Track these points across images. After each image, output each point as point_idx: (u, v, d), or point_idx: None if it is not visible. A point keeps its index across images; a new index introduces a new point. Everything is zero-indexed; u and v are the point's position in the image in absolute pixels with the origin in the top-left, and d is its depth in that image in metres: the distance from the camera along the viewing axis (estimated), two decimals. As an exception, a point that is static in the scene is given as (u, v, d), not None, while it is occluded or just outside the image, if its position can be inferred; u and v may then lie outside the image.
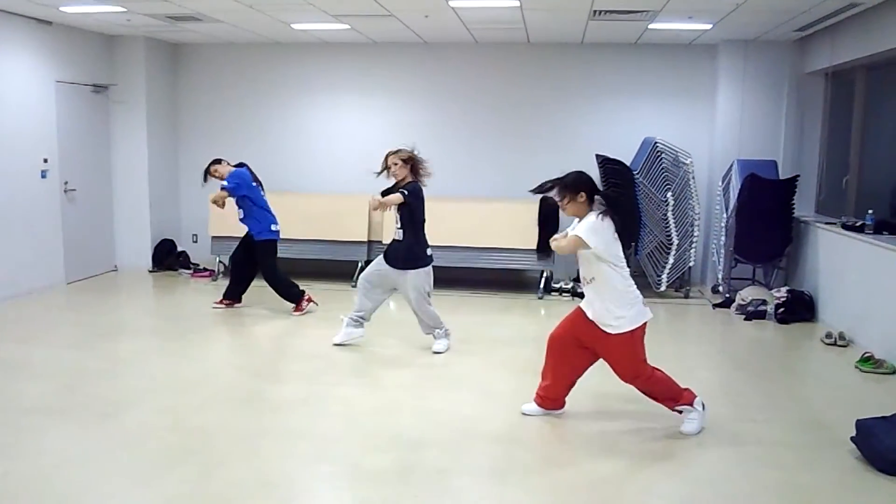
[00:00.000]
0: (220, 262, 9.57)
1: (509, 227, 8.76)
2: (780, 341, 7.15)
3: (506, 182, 9.73)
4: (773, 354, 6.85)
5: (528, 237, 8.63)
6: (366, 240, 9.07)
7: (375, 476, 4.04)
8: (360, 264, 9.18)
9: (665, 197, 8.31)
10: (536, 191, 4.71)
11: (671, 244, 8.42)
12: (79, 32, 9.01)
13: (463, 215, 8.94)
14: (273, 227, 7.59)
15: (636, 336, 4.58)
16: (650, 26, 8.10)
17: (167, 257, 9.89)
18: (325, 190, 10.00)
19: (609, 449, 4.45)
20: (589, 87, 9.66)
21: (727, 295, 8.42)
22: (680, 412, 4.71)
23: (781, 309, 7.64)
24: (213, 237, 9.37)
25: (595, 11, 7.40)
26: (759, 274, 8.94)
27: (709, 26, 8.08)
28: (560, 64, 9.67)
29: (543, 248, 8.58)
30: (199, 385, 5.55)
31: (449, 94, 9.91)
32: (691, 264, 8.67)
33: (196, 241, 10.32)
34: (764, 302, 7.82)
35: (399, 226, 6.21)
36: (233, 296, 7.80)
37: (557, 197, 4.66)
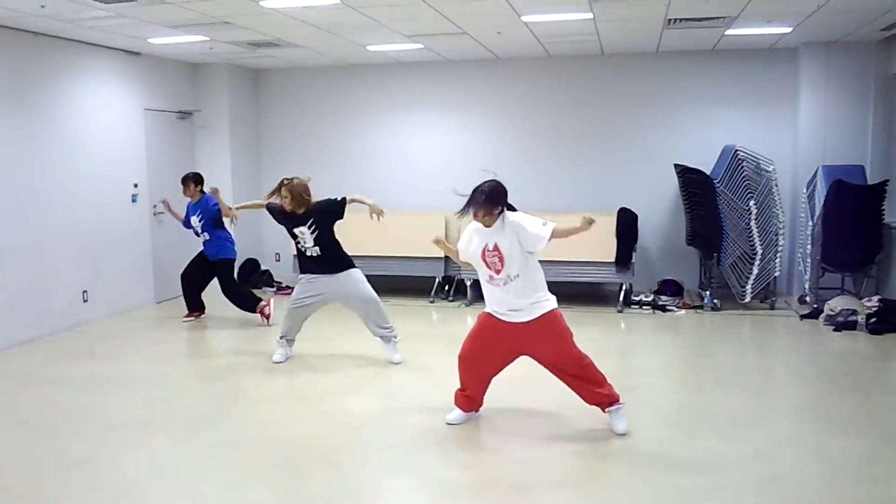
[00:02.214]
0: (299, 276, 9.75)
1: (587, 240, 8.61)
2: (872, 353, 6.88)
3: (583, 195, 9.68)
4: (864, 366, 6.59)
5: (607, 250, 8.54)
6: (442, 255, 9.13)
7: (457, 489, 4.06)
8: (437, 280, 9.26)
9: (748, 205, 8.12)
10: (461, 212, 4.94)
11: (755, 254, 8.20)
12: (165, 62, 9.40)
13: (539, 229, 8.90)
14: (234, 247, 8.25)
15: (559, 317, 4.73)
16: (727, 32, 7.96)
17: (251, 276, 10.17)
18: (401, 207, 10.13)
19: (692, 463, 4.36)
20: (665, 96, 9.54)
21: (815, 305, 8.16)
22: (606, 410, 4.77)
23: (873, 319, 7.36)
24: (295, 255, 9.56)
25: (670, 20, 7.32)
26: (849, 283, 8.64)
27: (788, 29, 7.89)
28: (635, 74, 9.58)
29: (622, 261, 8.49)
30: (282, 399, 5.68)
31: (522, 109, 9.93)
32: (776, 274, 8.43)
33: (279, 260, 10.59)
34: (854, 312, 7.54)
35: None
36: (198, 307, 8.35)
37: (483, 214, 4.78)
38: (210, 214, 7.94)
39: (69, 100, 7.91)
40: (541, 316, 4.68)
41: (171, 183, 9.52)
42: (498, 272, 4.71)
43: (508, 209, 4.83)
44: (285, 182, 6.33)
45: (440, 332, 8.00)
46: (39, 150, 7.51)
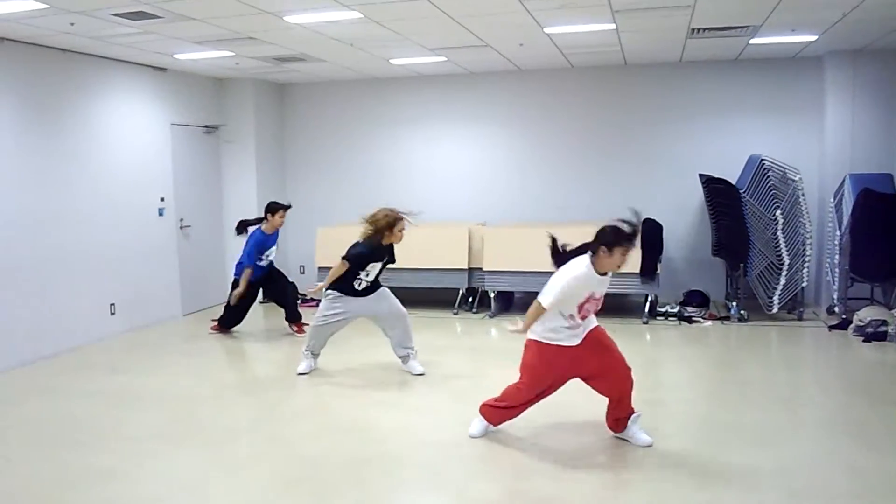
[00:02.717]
0: (326, 291, 9.81)
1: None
2: (904, 364, 6.78)
3: (607, 205, 9.59)
4: (895, 378, 6.49)
5: (632, 260, 8.41)
6: (466, 267, 9.13)
7: (485, 503, 4.05)
8: (461, 292, 9.26)
9: (774, 215, 8.04)
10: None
11: (782, 264, 8.12)
12: (191, 77, 9.51)
13: (565, 240, 8.87)
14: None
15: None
16: (751, 41, 7.91)
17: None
18: (425, 219, 10.13)
19: (718, 477, 4.32)
20: (689, 106, 9.49)
21: (843, 316, 8.05)
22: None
23: (904, 330, 7.26)
24: (320, 268, 9.63)
25: (693, 30, 7.29)
26: (878, 293, 8.51)
27: (814, 38, 7.82)
28: (658, 84, 9.55)
29: (647, 272, 8.44)
30: (306, 412, 5.70)
31: (545, 120, 9.93)
32: (804, 285, 8.34)
33: (303, 273, 10.65)
34: (884, 323, 7.43)
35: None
36: (295, 317, 8.34)
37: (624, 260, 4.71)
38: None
39: (97, 115, 8.02)
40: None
41: (197, 197, 9.65)
42: (584, 317, 4.68)
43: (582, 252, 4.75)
44: (397, 216, 6.22)
45: (464, 345, 7.99)
46: (67, 165, 7.63)
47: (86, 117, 7.87)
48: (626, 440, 4.83)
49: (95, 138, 8.00)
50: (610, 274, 4.63)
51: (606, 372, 4.73)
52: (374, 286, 6.44)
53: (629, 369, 4.75)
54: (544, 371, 4.72)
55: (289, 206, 8.08)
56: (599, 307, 4.71)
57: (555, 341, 4.63)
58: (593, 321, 4.77)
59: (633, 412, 4.80)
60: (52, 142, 7.45)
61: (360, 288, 6.35)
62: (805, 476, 4.33)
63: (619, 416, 4.82)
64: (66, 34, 6.80)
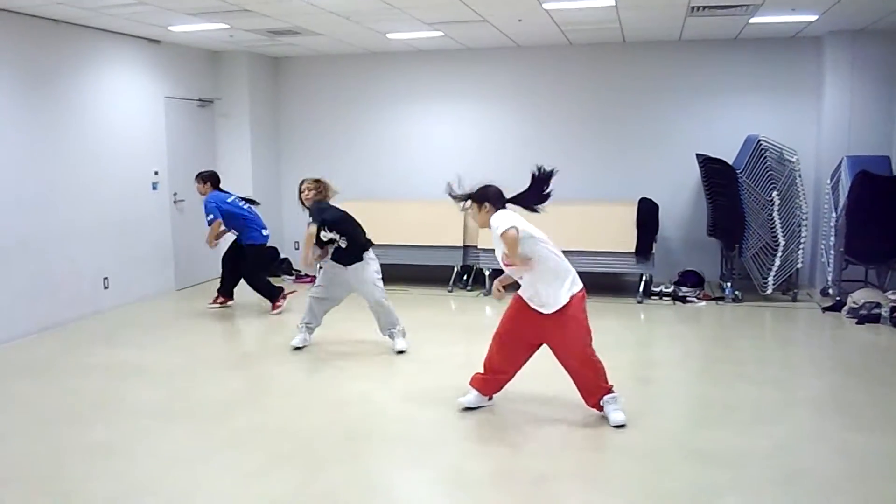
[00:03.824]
0: (320, 267, 9.79)
1: (607, 230, 8.63)
2: (896, 346, 6.81)
3: (603, 184, 9.63)
4: (888, 360, 6.50)
5: (627, 240, 8.49)
6: (461, 244, 9.11)
7: (475, 481, 4.05)
8: (455, 269, 9.24)
9: (770, 196, 8.02)
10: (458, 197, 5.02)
11: (777, 245, 8.11)
12: (185, 50, 9.42)
13: (560, 218, 8.84)
14: (264, 232, 8.17)
15: (576, 304, 4.68)
16: (751, 20, 7.85)
17: (270, 264, 10.18)
18: (421, 196, 10.12)
19: (710, 457, 4.33)
20: (687, 85, 9.44)
21: (838, 298, 8.07)
22: (601, 408, 4.79)
23: (898, 312, 7.28)
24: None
25: (693, 7, 7.23)
26: (872, 275, 8.53)
27: (814, 17, 7.77)
28: (657, 62, 9.48)
29: (642, 251, 8.43)
30: (301, 388, 5.70)
31: (543, 97, 9.87)
32: (799, 266, 8.33)
33: (297, 248, 10.61)
34: (878, 305, 7.45)
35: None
36: (226, 293, 8.35)
37: (467, 208, 4.95)
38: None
39: (90, 87, 7.94)
40: (550, 316, 4.71)
41: (191, 171, 9.56)
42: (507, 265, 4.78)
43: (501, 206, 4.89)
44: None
45: (458, 322, 7.99)
46: (60, 138, 7.56)
47: (79, 90, 7.79)
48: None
49: (89, 111, 7.92)
50: (492, 229, 4.78)
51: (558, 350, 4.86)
52: (351, 254, 6.44)
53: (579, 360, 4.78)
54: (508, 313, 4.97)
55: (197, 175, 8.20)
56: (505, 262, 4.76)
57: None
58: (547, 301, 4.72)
59: (609, 392, 4.80)
60: (45, 115, 7.37)
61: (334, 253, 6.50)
62: (798, 456, 4.35)
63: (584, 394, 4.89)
64: (59, 4, 6.71)
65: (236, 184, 10.04)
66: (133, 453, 4.46)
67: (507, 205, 4.87)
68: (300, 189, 6.65)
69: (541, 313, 4.73)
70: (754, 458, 4.31)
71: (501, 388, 5.10)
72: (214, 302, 8.33)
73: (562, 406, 5.15)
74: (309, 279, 9.84)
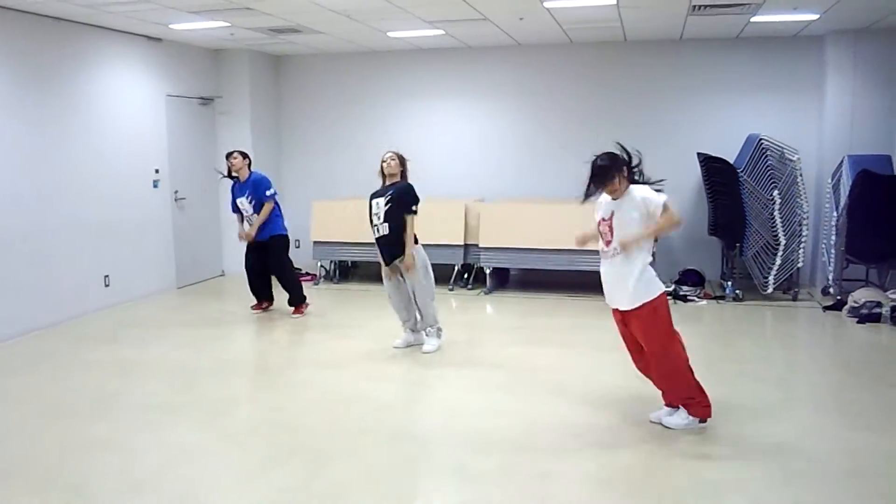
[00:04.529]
0: (321, 266, 9.82)
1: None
2: (897, 345, 6.81)
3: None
4: (889, 359, 6.50)
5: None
6: (462, 243, 9.10)
7: (479, 477, 4.05)
8: (456, 268, 9.24)
9: (771, 195, 8.02)
10: (586, 198, 4.66)
11: (778, 244, 8.11)
12: (186, 48, 9.41)
13: (559, 217, 8.87)
14: (284, 223, 7.91)
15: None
16: (752, 19, 7.86)
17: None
18: (422, 193, 10.10)
19: (712, 455, 4.33)
20: (689, 84, 9.44)
21: (838, 297, 8.07)
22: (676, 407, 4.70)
23: (898, 311, 7.28)
24: (315, 242, 9.60)
25: (694, 6, 7.23)
26: (873, 275, 8.53)
27: (815, 16, 7.77)
28: (658, 61, 9.49)
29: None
30: (305, 384, 5.70)
31: (544, 96, 9.87)
32: (800, 265, 8.33)
33: (298, 247, 10.59)
34: (878, 304, 7.45)
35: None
36: (267, 297, 8.02)
37: (607, 188, 4.60)
38: (258, 197, 7.63)
39: (91, 85, 7.94)
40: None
41: (192, 169, 9.59)
42: (607, 243, 4.63)
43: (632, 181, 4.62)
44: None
45: (459, 321, 7.98)
46: (61, 136, 7.56)
47: (80, 88, 7.79)
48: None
49: (90, 109, 7.92)
50: (622, 200, 4.57)
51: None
52: (391, 240, 6.25)
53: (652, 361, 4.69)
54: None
55: (229, 154, 7.81)
56: (609, 238, 4.61)
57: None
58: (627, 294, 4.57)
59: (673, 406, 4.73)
60: (46, 113, 7.37)
61: (377, 234, 6.30)
62: (800, 454, 4.34)
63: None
64: (60, 2, 6.71)
65: (237, 182, 10.05)
66: (135, 449, 4.46)
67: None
68: (384, 160, 6.39)
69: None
70: (756, 456, 4.31)
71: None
72: (258, 308, 8.00)
73: (565, 403, 5.15)
74: (309, 277, 9.84)
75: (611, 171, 4.54)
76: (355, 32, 8.58)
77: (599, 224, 4.66)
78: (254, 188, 7.63)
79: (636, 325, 4.57)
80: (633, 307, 4.52)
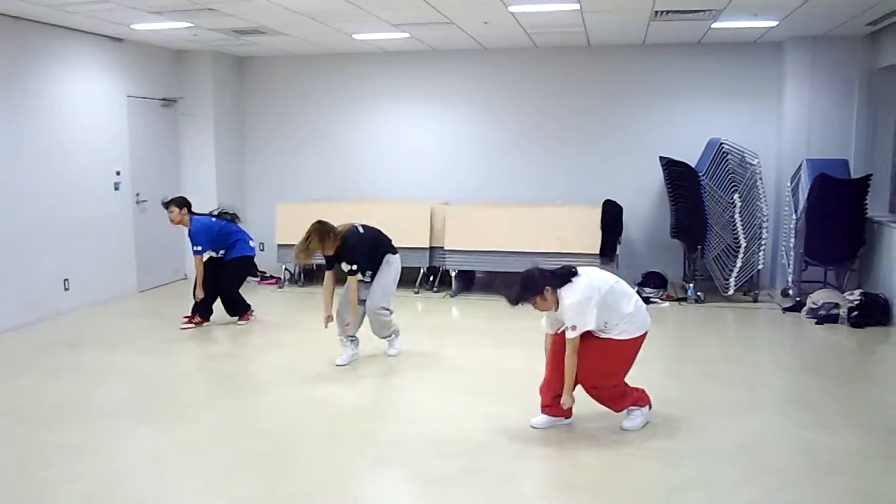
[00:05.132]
0: (286, 269, 9.75)
1: (571, 232, 8.69)
2: (854, 346, 6.94)
3: (568, 186, 9.72)
4: (846, 359, 6.65)
5: (591, 241, 8.55)
6: (427, 246, 9.10)
7: (442, 480, 4.05)
8: (422, 271, 9.24)
9: (732, 199, 8.14)
10: (513, 302, 4.49)
11: (739, 247, 8.24)
12: (148, 48, 9.29)
13: (523, 220, 8.92)
14: (251, 244, 7.61)
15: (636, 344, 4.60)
16: (713, 25, 7.97)
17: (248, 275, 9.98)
18: (387, 196, 10.11)
19: (675, 455, 4.38)
20: (651, 88, 9.55)
21: (797, 298, 8.21)
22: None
23: (855, 312, 7.42)
24: (279, 245, 9.53)
25: (657, 12, 7.32)
26: (831, 276, 8.69)
27: (774, 23, 7.90)
28: (621, 66, 9.58)
29: (607, 253, 8.50)
30: (268, 389, 5.66)
31: (508, 99, 9.92)
32: (760, 267, 8.47)
33: (262, 250, 10.49)
34: (836, 305, 7.60)
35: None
36: (203, 313, 7.54)
37: (537, 307, 4.50)
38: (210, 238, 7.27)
39: (51, 86, 7.80)
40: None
41: (154, 171, 9.47)
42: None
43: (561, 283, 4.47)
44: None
45: (425, 323, 7.98)
46: (20, 137, 7.42)
47: (39, 88, 7.64)
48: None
49: (49, 110, 7.78)
50: (553, 311, 4.54)
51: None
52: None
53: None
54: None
55: (165, 202, 7.30)
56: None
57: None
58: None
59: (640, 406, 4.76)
60: (5, 113, 7.23)
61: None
62: (760, 453, 4.41)
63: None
64: (19, 1, 6.59)
65: (199, 184, 9.97)
66: (100, 455, 4.39)
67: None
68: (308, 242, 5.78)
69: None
70: (718, 456, 4.37)
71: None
72: (189, 322, 7.48)
73: (529, 407, 5.17)
74: (273, 280, 9.77)
75: (530, 297, 4.43)
76: (320, 34, 8.54)
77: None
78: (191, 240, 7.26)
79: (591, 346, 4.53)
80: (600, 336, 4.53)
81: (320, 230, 5.78)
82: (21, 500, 3.83)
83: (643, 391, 4.79)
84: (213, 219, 7.41)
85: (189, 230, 7.25)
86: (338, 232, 5.90)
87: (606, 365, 4.60)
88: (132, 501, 3.83)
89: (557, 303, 4.45)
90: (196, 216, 7.29)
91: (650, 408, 4.80)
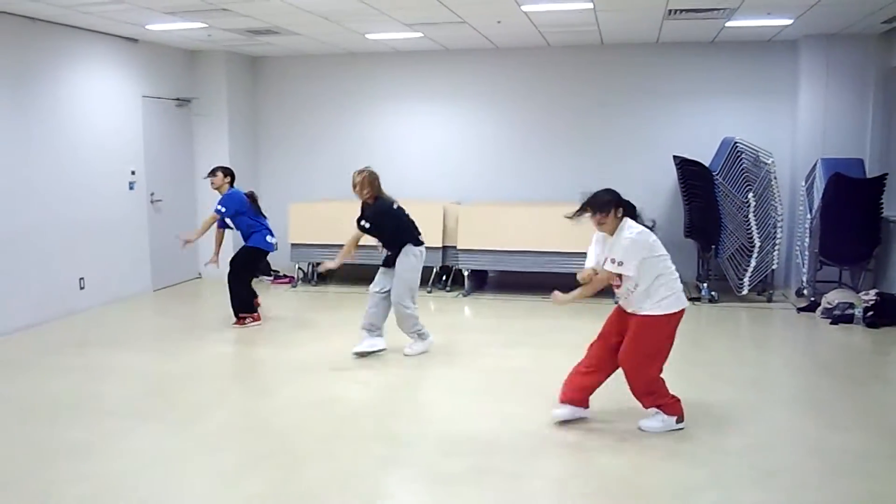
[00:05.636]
0: (299, 268, 9.79)
1: (585, 231, 8.62)
2: (869, 346, 6.89)
3: (581, 185, 9.63)
4: (861, 360, 6.60)
5: (604, 241, 8.51)
6: (440, 245, 9.11)
7: (450, 479, 4.06)
8: (434, 270, 9.24)
9: (746, 198, 8.10)
10: (574, 216, 4.73)
11: (753, 246, 8.20)
12: (163, 49, 9.35)
13: (539, 219, 8.90)
14: (269, 239, 7.61)
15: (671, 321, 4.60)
16: (727, 24, 7.93)
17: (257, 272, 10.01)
18: (399, 195, 10.08)
19: (688, 456, 4.37)
20: (665, 87, 9.51)
21: (812, 298, 8.16)
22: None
23: (870, 312, 7.36)
24: (293, 244, 9.57)
25: (670, 11, 7.29)
26: (846, 276, 8.64)
27: (789, 21, 7.86)
28: (634, 65, 9.55)
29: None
30: (278, 388, 5.68)
31: (520, 99, 9.91)
32: (774, 267, 8.43)
33: (276, 249, 10.55)
34: (851, 305, 7.54)
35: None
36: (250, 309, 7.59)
37: (595, 219, 4.70)
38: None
39: (66, 86, 7.87)
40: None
41: (168, 170, 9.53)
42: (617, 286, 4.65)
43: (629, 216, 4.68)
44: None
45: (438, 322, 7.97)
46: (36, 137, 7.48)
47: (55, 89, 7.71)
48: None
49: (64, 110, 7.84)
50: (613, 237, 4.70)
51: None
52: (394, 258, 6.36)
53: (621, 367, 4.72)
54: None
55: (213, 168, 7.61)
56: (618, 283, 4.67)
57: None
58: (635, 307, 4.65)
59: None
60: (21, 113, 7.29)
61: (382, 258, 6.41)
62: (773, 454, 4.39)
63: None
64: (34, 2, 6.65)
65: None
66: (112, 453, 4.41)
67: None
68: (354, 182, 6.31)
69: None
70: (731, 456, 4.35)
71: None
72: (239, 322, 7.49)
73: (537, 405, 5.17)
74: (287, 280, 9.81)
75: (610, 207, 4.68)
76: (333, 34, 8.57)
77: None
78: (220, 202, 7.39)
79: (631, 325, 4.62)
80: (638, 313, 4.59)
81: (371, 175, 6.39)
82: (29, 499, 3.86)
83: (678, 401, 4.72)
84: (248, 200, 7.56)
85: (223, 195, 7.42)
86: (380, 191, 6.42)
87: (648, 341, 4.60)
88: (140, 500, 3.85)
89: (615, 232, 4.61)
90: (234, 190, 7.52)
91: (679, 421, 4.70)
